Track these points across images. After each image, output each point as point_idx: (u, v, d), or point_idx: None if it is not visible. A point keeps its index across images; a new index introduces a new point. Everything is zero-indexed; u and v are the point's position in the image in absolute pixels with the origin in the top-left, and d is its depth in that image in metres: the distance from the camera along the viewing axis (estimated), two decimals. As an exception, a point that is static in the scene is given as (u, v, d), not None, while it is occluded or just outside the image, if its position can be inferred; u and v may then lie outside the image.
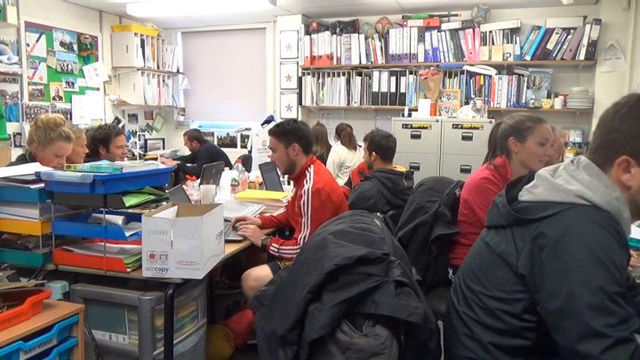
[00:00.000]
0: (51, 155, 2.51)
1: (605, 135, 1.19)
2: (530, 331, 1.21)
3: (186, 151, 6.04)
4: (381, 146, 3.29)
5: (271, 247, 2.45)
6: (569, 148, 4.73)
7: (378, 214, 2.18)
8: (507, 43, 4.90)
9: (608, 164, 1.17)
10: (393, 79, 5.33)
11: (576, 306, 1.06)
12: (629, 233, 1.18)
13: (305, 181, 2.54)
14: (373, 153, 3.29)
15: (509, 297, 1.23)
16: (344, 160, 4.74)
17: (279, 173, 3.94)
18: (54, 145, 2.51)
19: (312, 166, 2.61)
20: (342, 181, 4.33)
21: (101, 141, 3.37)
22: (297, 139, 2.59)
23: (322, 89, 5.65)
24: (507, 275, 1.23)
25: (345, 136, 4.92)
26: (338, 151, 4.83)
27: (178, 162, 5.60)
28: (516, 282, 1.21)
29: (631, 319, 1.05)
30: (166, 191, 2.18)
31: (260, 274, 2.38)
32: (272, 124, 5.14)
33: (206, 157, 5.26)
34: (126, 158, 3.60)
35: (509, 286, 1.23)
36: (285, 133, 2.60)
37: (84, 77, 5.50)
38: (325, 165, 4.44)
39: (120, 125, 5.86)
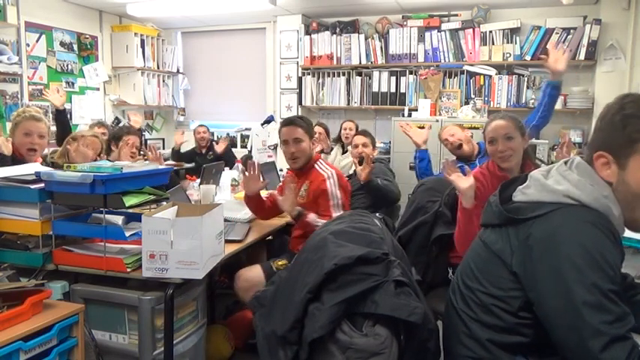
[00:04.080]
0: (21, 137, 2.66)
1: (592, 134, 1.24)
2: (528, 328, 1.22)
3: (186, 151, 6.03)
4: None
5: (310, 216, 2.43)
6: (569, 147, 4.73)
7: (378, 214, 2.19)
8: (507, 43, 4.90)
9: (591, 162, 1.20)
10: (393, 79, 5.33)
11: (572, 304, 1.06)
12: (622, 232, 1.19)
13: (322, 170, 2.63)
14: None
15: (505, 294, 1.23)
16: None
17: (279, 173, 3.95)
18: (20, 126, 2.67)
19: (321, 160, 2.73)
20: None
21: (114, 137, 3.51)
22: (313, 134, 2.73)
23: (322, 89, 5.66)
24: (503, 273, 1.24)
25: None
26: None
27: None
28: (511, 280, 1.22)
29: (627, 316, 1.05)
30: (167, 191, 2.18)
31: (251, 275, 2.40)
32: (272, 124, 5.14)
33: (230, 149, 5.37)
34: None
35: (505, 284, 1.23)
36: (309, 126, 2.72)
37: (84, 77, 5.50)
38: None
39: (120, 125, 5.86)
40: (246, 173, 2.63)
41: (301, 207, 2.52)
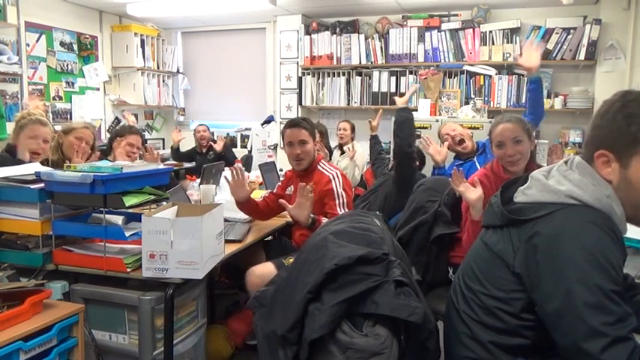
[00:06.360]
0: (25, 138, 2.65)
1: (591, 131, 1.22)
2: (529, 330, 1.21)
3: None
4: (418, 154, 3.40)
5: (323, 221, 2.40)
6: (569, 148, 4.73)
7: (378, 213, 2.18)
8: (507, 43, 4.90)
9: (591, 160, 1.19)
10: (393, 79, 5.33)
11: (574, 305, 1.06)
12: (625, 231, 1.18)
13: (326, 171, 2.66)
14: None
15: (507, 296, 1.23)
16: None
17: (279, 173, 3.95)
18: (26, 128, 2.65)
19: (323, 160, 2.75)
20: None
21: (115, 137, 3.44)
22: (316, 136, 2.78)
23: (322, 89, 5.65)
24: (505, 274, 1.23)
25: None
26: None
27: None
28: (514, 281, 1.21)
29: (628, 317, 1.05)
30: (166, 192, 2.18)
31: (264, 271, 2.36)
32: (272, 124, 5.14)
33: (230, 148, 5.40)
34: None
35: (507, 285, 1.23)
36: (313, 128, 2.74)
37: (84, 77, 5.50)
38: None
39: (120, 125, 5.86)
40: (230, 179, 2.60)
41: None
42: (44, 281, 1.83)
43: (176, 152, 5.61)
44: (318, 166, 2.69)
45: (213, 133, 5.96)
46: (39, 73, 4.98)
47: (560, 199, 1.17)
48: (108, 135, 5.23)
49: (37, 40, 4.94)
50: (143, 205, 2.00)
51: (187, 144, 5.88)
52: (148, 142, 6.37)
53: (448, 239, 2.29)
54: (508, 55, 4.90)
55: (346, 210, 2.54)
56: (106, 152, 3.39)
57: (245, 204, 2.67)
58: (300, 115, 5.70)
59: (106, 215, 1.93)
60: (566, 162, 1.25)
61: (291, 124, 2.71)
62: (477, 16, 4.98)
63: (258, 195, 3.38)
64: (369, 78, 5.43)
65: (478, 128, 4.65)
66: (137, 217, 1.96)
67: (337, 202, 2.56)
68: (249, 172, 4.18)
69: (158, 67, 6.15)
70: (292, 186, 2.77)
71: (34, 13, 4.85)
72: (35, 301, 1.61)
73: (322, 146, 4.83)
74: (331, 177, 2.62)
